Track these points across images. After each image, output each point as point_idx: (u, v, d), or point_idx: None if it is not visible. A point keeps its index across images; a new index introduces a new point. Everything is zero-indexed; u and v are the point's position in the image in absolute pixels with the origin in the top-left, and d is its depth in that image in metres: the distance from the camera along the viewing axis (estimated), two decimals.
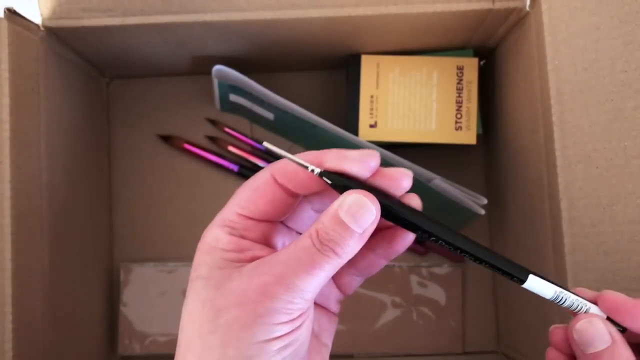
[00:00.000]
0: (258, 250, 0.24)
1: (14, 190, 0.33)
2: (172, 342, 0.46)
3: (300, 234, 0.27)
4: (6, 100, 0.33)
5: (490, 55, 0.47)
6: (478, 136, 0.45)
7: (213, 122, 0.49)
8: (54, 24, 0.37)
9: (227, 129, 0.49)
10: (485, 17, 0.39)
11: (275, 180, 0.25)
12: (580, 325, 0.24)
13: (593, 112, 0.32)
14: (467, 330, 0.49)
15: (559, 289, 0.24)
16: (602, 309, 0.24)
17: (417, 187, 0.44)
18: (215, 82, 0.43)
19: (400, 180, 0.24)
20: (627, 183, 0.31)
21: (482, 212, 0.42)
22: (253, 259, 0.23)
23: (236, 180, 0.49)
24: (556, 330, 0.25)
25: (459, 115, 0.44)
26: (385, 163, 0.43)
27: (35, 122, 0.36)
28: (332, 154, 0.24)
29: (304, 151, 0.51)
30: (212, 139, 0.49)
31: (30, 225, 0.35)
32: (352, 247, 0.22)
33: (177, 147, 0.49)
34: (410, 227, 0.24)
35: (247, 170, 0.48)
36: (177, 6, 0.37)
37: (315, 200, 0.26)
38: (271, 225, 0.26)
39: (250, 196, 0.25)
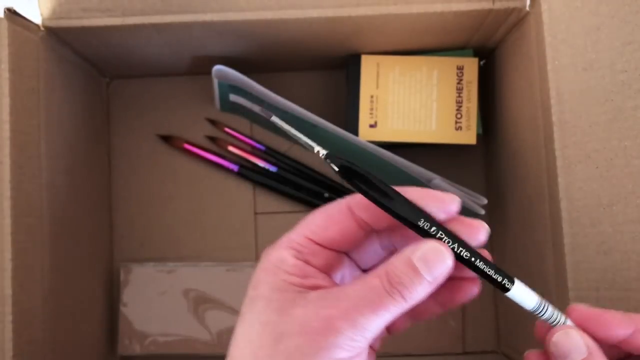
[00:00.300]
0: (320, 279, 0.24)
1: (14, 190, 0.33)
2: (172, 343, 0.46)
3: (361, 267, 0.27)
4: (6, 100, 0.33)
5: (490, 56, 0.47)
6: (478, 136, 0.45)
7: (213, 122, 0.49)
8: (54, 24, 0.37)
9: (227, 129, 0.49)
10: (485, 18, 0.39)
11: (350, 211, 0.25)
12: (557, 337, 0.24)
13: (593, 112, 0.32)
14: (467, 330, 0.49)
15: (541, 299, 0.24)
16: (573, 322, 0.24)
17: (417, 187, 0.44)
18: (215, 82, 0.43)
19: (479, 230, 0.24)
20: (627, 183, 0.31)
21: (482, 212, 0.42)
22: (314, 287, 0.24)
23: (236, 181, 0.49)
24: (530, 356, 0.26)
25: (459, 115, 0.44)
26: (384, 163, 0.43)
27: (35, 122, 0.36)
28: (416, 188, 0.25)
29: (304, 151, 0.51)
30: (212, 139, 0.49)
31: (30, 225, 0.35)
32: (420, 293, 0.22)
33: (177, 147, 0.49)
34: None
35: (247, 170, 0.48)
36: (177, 6, 0.37)
37: (385, 236, 0.26)
38: (336, 256, 0.26)
39: (322, 222, 0.25)
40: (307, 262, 0.25)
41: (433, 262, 0.22)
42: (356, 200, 0.25)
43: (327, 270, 0.25)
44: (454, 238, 0.23)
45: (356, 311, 0.22)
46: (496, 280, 0.24)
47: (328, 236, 0.25)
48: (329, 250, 0.25)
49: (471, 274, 0.24)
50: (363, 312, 0.22)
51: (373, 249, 0.27)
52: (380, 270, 0.23)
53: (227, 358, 0.23)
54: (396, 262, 0.23)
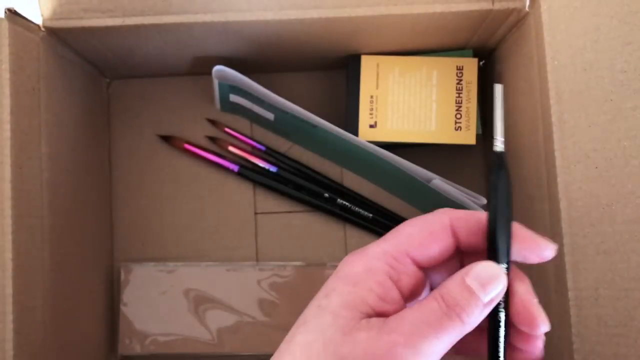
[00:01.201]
0: (394, 310, 0.23)
1: (15, 191, 0.33)
2: (173, 342, 0.46)
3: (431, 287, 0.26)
4: (7, 101, 0.33)
5: (490, 56, 0.47)
6: (478, 136, 0.45)
7: (213, 122, 0.49)
8: (54, 24, 0.37)
9: (227, 129, 0.49)
10: (485, 18, 0.39)
11: (452, 228, 0.24)
12: None
13: (592, 112, 0.33)
14: None
15: None
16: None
17: (417, 187, 0.44)
18: (216, 82, 0.43)
19: (537, 327, 0.23)
20: (626, 183, 0.31)
21: (482, 212, 0.42)
22: (384, 315, 0.23)
23: (236, 181, 0.49)
24: None
25: (458, 116, 0.44)
26: (384, 163, 0.43)
27: (35, 122, 0.36)
28: (522, 227, 0.24)
29: (304, 151, 0.51)
30: (212, 139, 0.49)
31: (30, 225, 0.35)
32: (476, 315, 0.22)
33: (177, 147, 0.49)
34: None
35: (247, 170, 0.48)
36: (177, 7, 0.37)
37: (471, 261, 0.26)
38: (423, 279, 0.25)
39: (424, 239, 0.24)
40: (397, 282, 0.24)
41: (487, 281, 0.22)
42: (460, 219, 0.24)
43: (411, 295, 0.24)
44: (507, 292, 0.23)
45: (419, 336, 0.21)
46: (497, 352, 0.23)
47: (429, 254, 0.24)
48: (420, 271, 0.24)
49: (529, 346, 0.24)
50: (425, 336, 0.21)
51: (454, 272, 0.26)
52: (436, 293, 0.22)
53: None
54: (450, 285, 0.22)
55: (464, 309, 0.22)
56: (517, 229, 0.24)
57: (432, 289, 0.26)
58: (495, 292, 0.22)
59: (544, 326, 0.23)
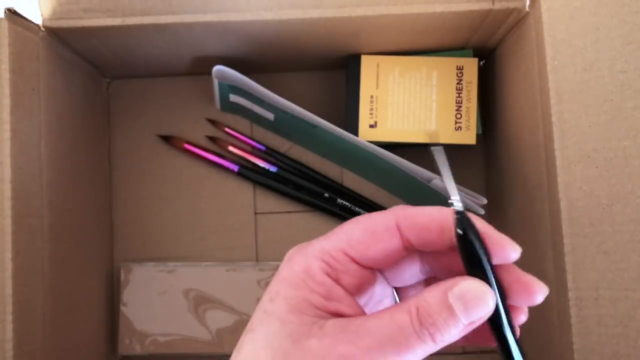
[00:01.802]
0: (345, 304, 0.22)
1: (15, 191, 0.33)
2: (172, 342, 0.46)
3: (392, 284, 0.25)
4: (6, 101, 0.33)
5: (490, 56, 0.47)
6: (478, 136, 0.45)
7: (213, 122, 0.49)
8: (54, 24, 0.37)
9: (227, 129, 0.49)
10: (485, 18, 0.39)
11: (399, 229, 0.22)
12: None
13: (592, 112, 0.33)
14: None
15: None
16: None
17: (417, 187, 0.44)
18: (216, 82, 0.43)
19: (534, 293, 0.21)
20: (626, 183, 0.31)
21: (482, 212, 0.42)
22: (336, 314, 0.21)
23: (236, 181, 0.49)
24: None
25: (458, 116, 0.44)
26: (384, 163, 0.43)
27: (35, 122, 0.36)
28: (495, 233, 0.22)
29: (304, 151, 0.51)
30: (212, 139, 0.49)
31: (30, 225, 0.35)
32: (452, 336, 0.20)
33: (177, 147, 0.49)
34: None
35: (247, 170, 0.48)
36: (177, 6, 0.37)
37: (427, 261, 0.24)
38: (370, 274, 0.23)
39: (365, 238, 0.22)
40: (337, 281, 0.22)
41: (472, 302, 0.20)
42: (407, 219, 0.22)
43: (356, 291, 0.23)
44: (502, 299, 0.21)
45: (378, 352, 0.19)
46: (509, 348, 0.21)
47: (369, 255, 0.22)
48: (364, 269, 0.23)
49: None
50: (386, 352, 0.19)
51: (410, 271, 0.24)
52: (411, 305, 0.20)
53: None
54: (430, 299, 0.20)
55: (439, 330, 0.20)
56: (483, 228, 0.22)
57: (392, 285, 0.25)
58: (478, 316, 0.20)
59: (542, 289, 0.21)
